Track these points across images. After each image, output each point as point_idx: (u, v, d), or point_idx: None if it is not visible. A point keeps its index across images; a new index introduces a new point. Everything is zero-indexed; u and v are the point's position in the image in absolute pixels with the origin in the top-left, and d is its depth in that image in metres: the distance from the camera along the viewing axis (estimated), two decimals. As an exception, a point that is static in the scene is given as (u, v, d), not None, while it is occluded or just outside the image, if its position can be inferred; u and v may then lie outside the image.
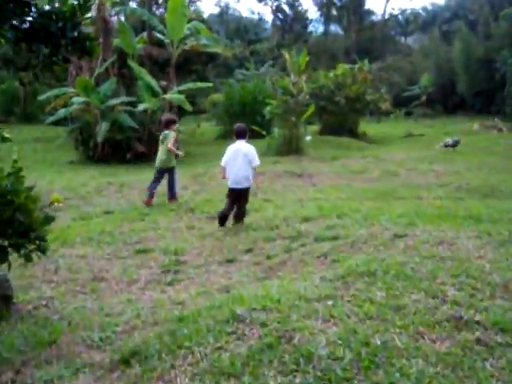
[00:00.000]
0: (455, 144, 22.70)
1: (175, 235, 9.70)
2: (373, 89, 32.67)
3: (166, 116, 14.45)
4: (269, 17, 75.42)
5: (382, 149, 24.78)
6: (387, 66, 52.14)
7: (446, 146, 22.92)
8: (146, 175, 16.23)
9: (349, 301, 4.90)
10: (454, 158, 20.10)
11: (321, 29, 72.64)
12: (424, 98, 48.89)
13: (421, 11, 74.82)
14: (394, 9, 76.35)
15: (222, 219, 10.03)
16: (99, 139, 20.90)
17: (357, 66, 33.38)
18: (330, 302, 4.86)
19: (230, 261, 7.96)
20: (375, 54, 57.51)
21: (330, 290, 5.18)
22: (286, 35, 69.40)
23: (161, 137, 12.97)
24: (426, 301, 4.84)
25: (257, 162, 10.06)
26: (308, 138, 22.21)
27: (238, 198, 10.07)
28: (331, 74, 31.18)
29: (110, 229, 10.06)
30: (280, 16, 70.82)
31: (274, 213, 10.57)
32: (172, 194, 12.88)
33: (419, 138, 31.10)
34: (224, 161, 10.08)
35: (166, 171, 12.80)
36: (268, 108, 22.61)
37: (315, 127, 31.69)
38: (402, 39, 76.01)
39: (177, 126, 13.55)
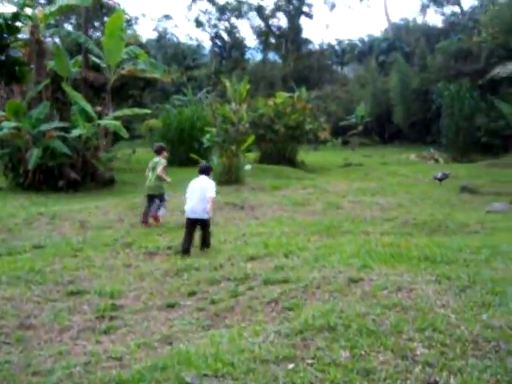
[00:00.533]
0: (444, 177, 22.00)
1: (111, 274, 9.00)
2: (312, 118, 32.55)
3: (158, 144, 14.98)
4: (207, 43, 74.95)
5: (323, 178, 24.51)
6: (325, 95, 52.60)
7: (435, 179, 22.29)
8: (79, 204, 15.42)
9: (311, 364, 4.37)
10: (396, 189, 19.96)
11: (259, 56, 72.89)
12: (361, 127, 49.42)
13: (357, 42, 76.00)
14: (331, 38, 76.85)
15: (186, 251, 10.29)
16: (30, 166, 19.87)
17: (296, 94, 33.28)
18: (290, 366, 4.34)
19: (171, 305, 7.32)
20: (312, 83, 57.96)
21: (288, 349, 4.65)
22: (224, 62, 69.27)
23: (150, 164, 13.61)
24: (395, 362, 4.39)
25: (211, 193, 10.41)
26: (248, 167, 21.72)
27: (195, 226, 10.52)
28: (271, 103, 30.90)
29: (40, 266, 9.27)
30: (218, 43, 70.67)
31: (217, 249, 10.02)
32: (146, 219, 13.36)
33: (358, 167, 31.04)
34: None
35: (157, 197, 13.31)
36: (207, 136, 22.05)
37: (253, 155, 31.24)
38: (339, 69, 76.92)
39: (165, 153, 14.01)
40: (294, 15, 64.08)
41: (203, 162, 11.79)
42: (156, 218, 13.45)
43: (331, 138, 45.58)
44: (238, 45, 69.22)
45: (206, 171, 10.91)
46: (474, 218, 13.46)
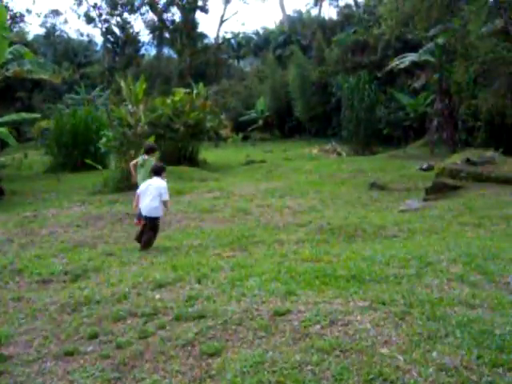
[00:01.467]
0: (429, 168, 21.54)
1: (-3, 313, 7.76)
2: (212, 115, 31.67)
3: (148, 144, 15.49)
4: (99, 39, 72.53)
5: (227, 179, 23.57)
6: (223, 90, 51.86)
7: (421, 169, 21.90)
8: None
9: None
10: (305, 188, 19.31)
11: (154, 52, 71.27)
12: (261, 122, 48.98)
13: (253, 35, 75.58)
14: (226, 32, 75.89)
15: (139, 239, 11.36)
16: None
17: (195, 91, 32.29)
18: None
19: (69, 353, 6.16)
20: (210, 78, 57.21)
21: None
22: (117, 58, 67.16)
23: (140, 160, 14.21)
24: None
25: (165, 196, 11.17)
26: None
27: (145, 223, 11.36)
28: (169, 101, 29.75)
29: None
30: (111, 38, 68.33)
31: (120, 274, 8.93)
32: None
33: (261, 164, 30.36)
34: (139, 190, 11.56)
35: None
36: (103, 140, 20.66)
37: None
38: (236, 63, 76.34)
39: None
40: (189, 9, 62.81)
41: (159, 163, 12.43)
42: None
43: (231, 134, 44.92)
44: (131, 40, 67.31)
45: (158, 172, 11.47)
46: (390, 219, 12.93)
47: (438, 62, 30.89)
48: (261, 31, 77.95)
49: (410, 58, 31.15)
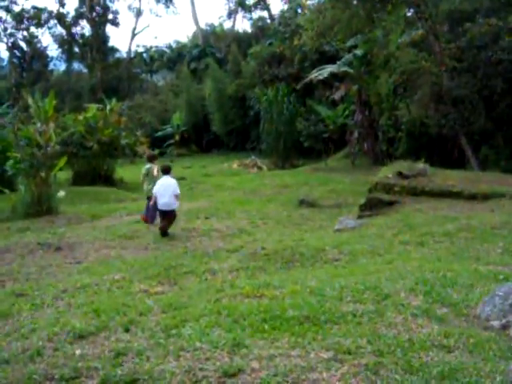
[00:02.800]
0: (411, 176, 19.92)
1: None
2: (127, 131, 30.32)
3: (149, 153, 18.86)
4: (4, 54, 69.47)
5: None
6: (137, 105, 50.49)
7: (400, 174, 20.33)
8: None
9: None
10: (231, 207, 18.30)
11: (63, 67, 68.85)
12: (177, 137, 47.86)
13: (165, 49, 74.17)
14: (138, 46, 74.04)
15: (164, 232, 14.08)
16: None
17: (108, 107, 30.83)
18: None
19: None
20: (122, 93, 55.71)
21: None
22: (25, 74, 64.41)
23: (144, 170, 16.18)
24: None
25: (177, 191, 14.14)
26: (61, 194, 19.00)
27: (166, 215, 14.19)
28: (81, 117, 28.21)
29: None
30: (17, 53, 65.47)
31: (33, 321, 7.66)
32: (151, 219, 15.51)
33: (181, 181, 29.09)
34: (155, 191, 14.13)
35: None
36: (10, 162, 19.03)
37: (65, 174, 28.04)
38: (148, 77, 74.73)
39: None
40: (99, 23, 60.98)
41: (166, 163, 16.62)
42: (145, 219, 15.61)
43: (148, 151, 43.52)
44: (38, 55, 64.74)
45: (167, 171, 14.55)
46: (327, 240, 12.06)
47: (356, 73, 30.70)
48: (173, 45, 76.67)
49: (328, 69, 30.81)
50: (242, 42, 52.02)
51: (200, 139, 50.12)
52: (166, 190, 13.90)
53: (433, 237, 11.46)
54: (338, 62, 30.79)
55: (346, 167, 31.09)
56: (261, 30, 50.72)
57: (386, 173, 16.17)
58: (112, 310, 7.55)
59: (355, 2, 21.40)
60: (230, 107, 44.67)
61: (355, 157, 31.87)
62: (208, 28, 73.79)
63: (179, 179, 29.75)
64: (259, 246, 11.86)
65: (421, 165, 16.42)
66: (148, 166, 16.00)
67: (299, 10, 40.02)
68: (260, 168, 34.25)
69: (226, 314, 6.62)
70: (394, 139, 28.60)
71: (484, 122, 21.95)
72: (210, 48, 56.95)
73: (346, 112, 34.88)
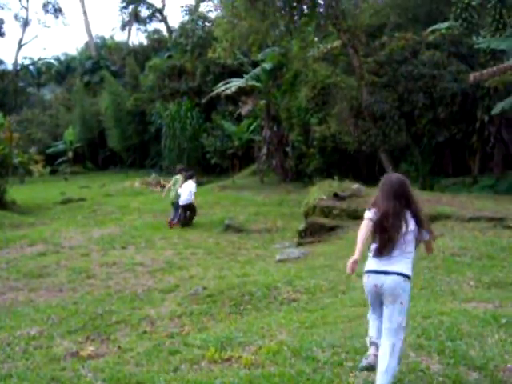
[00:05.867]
0: (346, 196, 16.97)
1: None
2: (19, 149, 27.75)
3: (178, 167, 21.81)
4: None
5: (47, 225, 19.74)
6: (26, 120, 47.35)
7: (337, 195, 17.25)
8: None
9: None
10: (147, 234, 16.42)
11: None
12: (70, 154, 45.17)
13: (53, 61, 70.44)
14: (26, 58, 69.85)
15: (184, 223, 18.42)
16: None
17: (-3, 123, 28.11)
18: None
19: None
20: (9, 107, 52.08)
21: None
22: None
23: (172, 181, 19.79)
24: None
25: (194, 190, 18.58)
26: None
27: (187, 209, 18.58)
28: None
29: None
30: None
31: None
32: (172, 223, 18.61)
33: (81, 203, 26.83)
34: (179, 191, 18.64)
35: (183, 206, 18.53)
36: None
37: None
38: (36, 90, 70.79)
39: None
40: (-19, 33, 57.14)
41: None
42: (170, 224, 18.43)
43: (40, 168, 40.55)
44: None
45: (190, 177, 18.93)
46: (275, 274, 10.48)
47: (265, 88, 29.60)
48: (62, 57, 73.03)
49: (235, 83, 29.52)
50: (139, 54, 49.86)
51: (95, 156, 47.61)
52: (185, 191, 18.32)
53: (390, 267, 10.26)
54: (246, 76, 29.48)
55: (255, 184, 29.82)
56: (158, 42, 48.88)
57: (319, 194, 14.91)
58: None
59: (274, 12, 20.22)
60: (128, 122, 42.41)
61: (263, 174, 30.70)
62: (98, 40, 70.93)
63: (78, 200, 27.59)
64: (198, 285, 10.19)
65: (355, 185, 15.29)
66: (177, 176, 19.55)
67: (200, 23, 38.59)
68: (164, 186, 32.34)
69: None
70: (305, 155, 27.63)
71: (405, 138, 21.32)
72: (104, 60, 54.31)
73: (252, 127, 33.73)
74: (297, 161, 29.20)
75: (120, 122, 42.22)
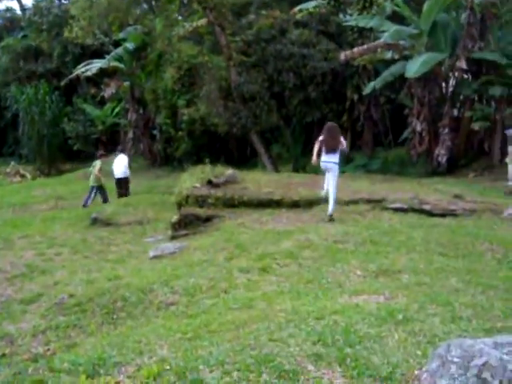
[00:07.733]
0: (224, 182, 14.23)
1: None
2: None
3: (99, 151, 21.84)
4: None
5: None
6: None
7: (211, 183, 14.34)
8: None
9: None
10: (4, 233, 14.84)
11: None
12: None
13: None
14: None
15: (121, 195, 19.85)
16: None
17: None
18: None
19: None
20: None
21: None
22: None
23: (93, 164, 19.96)
24: None
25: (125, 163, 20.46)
26: None
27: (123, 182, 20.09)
28: None
29: None
30: None
31: None
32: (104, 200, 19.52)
33: None
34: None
35: (94, 188, 19.29)
36: None
37: None
38: None
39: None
40: None
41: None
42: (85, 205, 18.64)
43: None
44: None
45: (122, 151, 21.43)
46: (150, 274, 9.53)
47: (128, 69, 28.33)
48: None
49: (97, 64, 28.00)
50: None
51: None
52: (117, 163, 19.77)
53: (274, 259, 9.66)
54: (108, 57, 28.02)
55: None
56: (10, 21, 45.67)
57: (191, 181, 14.08)
58: None
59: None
60: (-18, 108, 39.49)
61: (131, 159, 29.54)
62: None
63: None
64: (64, 292, 9.12)
65: (229, 170, 14.59)
66: (97, 161, 19.60)
67: (56, 0, 36.42)
68: (23, 176, 30.39)
69: None
70: (173, 139, 26.74)
71: (276, 120, 20.95)
72: None
73: (116, 110, 32.38)
74: (165, 145, 28.28)
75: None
